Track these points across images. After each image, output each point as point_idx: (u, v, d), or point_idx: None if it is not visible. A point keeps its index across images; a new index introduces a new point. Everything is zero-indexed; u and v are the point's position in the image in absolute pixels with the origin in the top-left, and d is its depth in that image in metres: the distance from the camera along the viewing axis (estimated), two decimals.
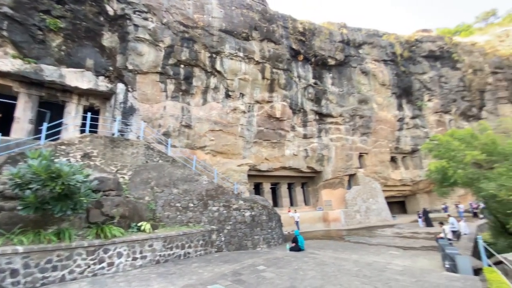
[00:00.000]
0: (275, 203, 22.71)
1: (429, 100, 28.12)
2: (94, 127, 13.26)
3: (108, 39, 14.81)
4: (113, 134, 12.83)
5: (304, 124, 22.09)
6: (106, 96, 15.14)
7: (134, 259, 7.92)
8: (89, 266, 6.96)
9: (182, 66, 16.93)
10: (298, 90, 21.71)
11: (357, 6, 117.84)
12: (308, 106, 22.26)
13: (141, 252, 8.12)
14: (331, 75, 23.94)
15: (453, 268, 7.93)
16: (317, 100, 22.65)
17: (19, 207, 6.34)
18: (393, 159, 26.85)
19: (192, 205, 11.11)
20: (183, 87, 16.94)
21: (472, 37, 37.69)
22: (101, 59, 14.55)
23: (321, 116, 23.01)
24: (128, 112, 14.87)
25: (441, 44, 29.65)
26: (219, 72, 18.04)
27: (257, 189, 21.92)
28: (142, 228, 8.84)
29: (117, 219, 8.35)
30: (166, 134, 15.81)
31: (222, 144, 17.84)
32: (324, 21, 26.17)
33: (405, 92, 27.21)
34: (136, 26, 15.40)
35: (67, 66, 13.59)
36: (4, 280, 5.59)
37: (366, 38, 26.33)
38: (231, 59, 18.34)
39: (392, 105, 26.43)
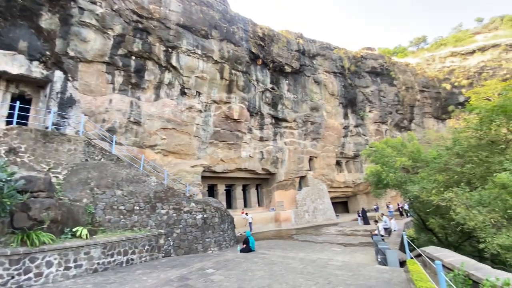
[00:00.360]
0: (229, 205, 22.66)
1: (370, 111, 31.42)
2: (24, 118, 11.54)
3: (47, 20, 13.00)
4: (46, 128, 11.30)
5: (261, 127, 22.59)
6: (40, 84, 13.25)
7: (67, 268, 7.09)
8: (12, 277, 6.11)
9: (133, 57, 15.79)
10: (256, 93, 22.11)
11: (313, 15, 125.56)
12: (265, 109, 22.83)
13: (75, 261, 7.30)
14: (287, 81, 24.99)
15: (384, 262, 8.97)
16: (273, 104, 23.39)
17: None
18: (338, 163, 29.22)
19: (138, 208, 10.40)
20: (133, 80, 15.81)
21: (406, 59, 43.43)
22: (37, 42, 12.70)
23: (277, 120, 23.83)
24: (67, 103, 13.25)
25: (382, 62, 33.43)
26: (174, 67, 17.31)
27: (211, 191, 21.60)
28: (78, 233, 7.95)
29: (48, 224, 7.35)
30: (111, 130, 14.52)
31: (175, 144, 17.13)
32: (283, 29, 27.22)
33: (350, 102, 29.92)
34: (81, 9, 13.84)
35: None
36: None
37: (320, 50, 28.22)
38: (189, 55, 17.78)
39: (339, 114, 28.79)
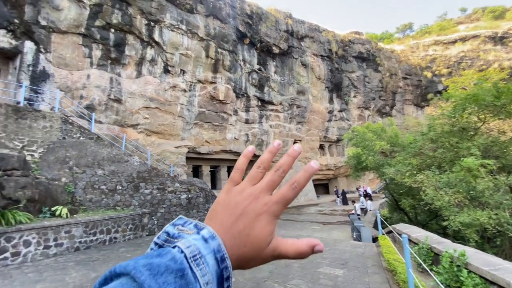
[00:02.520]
0: (214, 185, 22.86)
1: (354, 97, 31.93)
2: None
3: None
4: (18, 103, 10.62)
5: (247, 109, 22.44)
6: (8, 55, 12.26)
7: (47, 247, 7.03)
8: None
9: (112, 30, 14.86)
10: (242, 74, 21.71)
11: None
12: (252, 91, 22.57)
13: (55, 240, 7.24)
14: (274, 63, 24.64)
15: (358, 238, 9.62)
16: (260, 86, 23.14)
17: None
18: (321, 147, 29.94)
19: (120, 187, 10.29)
20: (113, 55, 14.99)
21: (392, 45, 43.80)
22: (3, 8, 11.56)
23: (263, 103, 23.71)
24: (40, 77, 12.43)
25: (368, 48, 33.56)
26: (157, 43, 16.52)
27: (196, 172, 21.60)
28: (58, 213, 7.82)
29: (24, 203, 7.15)
30: (90, 108, 13.91)
31: (158, 123, 16.75)
32: (271, 7, 26.33)
33: (336, 87, 30.18)
34: None
35: None
36: None
37: (308, 31, 27.79)
38: (172, 30, 16.97)
39: (324, 98, 29.06)
